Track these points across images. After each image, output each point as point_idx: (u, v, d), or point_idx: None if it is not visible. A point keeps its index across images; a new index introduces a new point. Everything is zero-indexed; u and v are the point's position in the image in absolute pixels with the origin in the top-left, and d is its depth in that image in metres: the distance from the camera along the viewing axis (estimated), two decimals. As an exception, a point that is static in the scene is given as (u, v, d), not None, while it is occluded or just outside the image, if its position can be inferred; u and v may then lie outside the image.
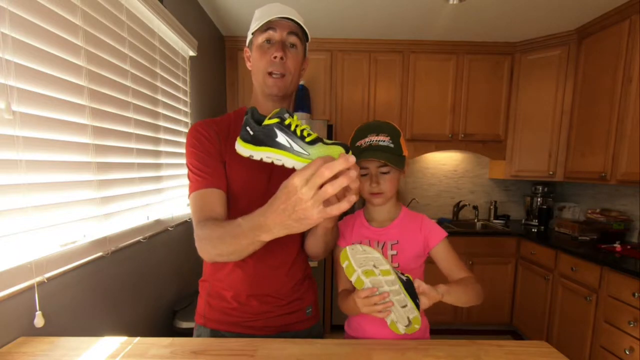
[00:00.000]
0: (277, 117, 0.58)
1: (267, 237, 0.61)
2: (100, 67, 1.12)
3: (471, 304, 0.85)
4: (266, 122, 0.59)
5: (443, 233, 0.92)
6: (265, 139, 0.59)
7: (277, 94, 0.85)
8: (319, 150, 0.58)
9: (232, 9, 2.22)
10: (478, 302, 0.85)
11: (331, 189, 0.51)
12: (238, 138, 0.61)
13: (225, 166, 0.83)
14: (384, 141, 0.86)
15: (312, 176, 0.52)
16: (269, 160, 0.60)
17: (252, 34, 0.85)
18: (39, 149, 0.87)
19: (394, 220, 0.94)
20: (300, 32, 0.83)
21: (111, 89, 1.18)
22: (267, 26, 0.81)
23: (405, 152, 0.90)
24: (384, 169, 0.87)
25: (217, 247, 0.71)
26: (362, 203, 1.01)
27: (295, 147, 0.58)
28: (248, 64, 0.90)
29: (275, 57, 0.81)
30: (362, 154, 0.85)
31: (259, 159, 0.60)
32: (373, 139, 0.86)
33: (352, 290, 0.90)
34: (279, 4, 0.84)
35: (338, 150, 0.58)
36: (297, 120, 0.60)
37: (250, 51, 0.88)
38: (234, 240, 0.67)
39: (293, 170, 0.58)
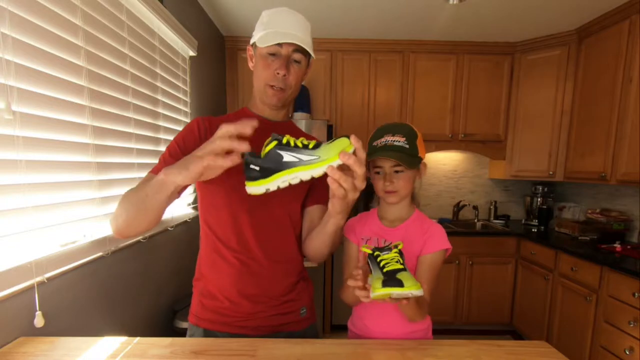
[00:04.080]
0: (274, 140, 0.59)
1: (163, 176, 0.64)
2: (100, 67, 1.12)
3: (411, 319, 0.87)
4: (266, 149, 0.59)
5: (443, 245, 0.89)
6: (274, 166, 0.59)
7: (276, 104, 0.87)
8: (325, 148, 0.59)
9: (232, 9, 2.22)
10: (414, 321, 0.89)
11: (210, 159, 0.58)
12: (246, 182, 0.61)
13: None
14: (399, 141, 0.87)
15: (218, 137, 0.59)
16: (286, 184, 0.60)
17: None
18: (39, 149, 0.87)
19: (404, 221, 0.94)
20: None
21: (111, 89, 1.18)
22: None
23: (422, 154, 0.90)
24: (398, 168, 0.89)
25: (120, 205, 0.75)
26: (377, 201, 1.02)
27: (304, 157, 0.59)
28: (250, 63, 0.90)
29: (278, 74, 0.81)
30: (376, 152, 0.88)
31: (275, 188, 0.60)
32: (389, 139, 0.88)
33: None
34: (288, 13, 0.83)
35: (344, 142, 0.59)
36: (290, 138, 0.61)
37: (253, 51, 0.88)
38: (138, 191, 0.72)
39: (309, 179, 0.60)
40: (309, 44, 0.83)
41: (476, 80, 2.72)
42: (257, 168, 0.59)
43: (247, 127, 0.59)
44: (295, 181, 0.60)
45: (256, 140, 0.87)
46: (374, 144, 0.90)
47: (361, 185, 0.62)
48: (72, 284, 1.02)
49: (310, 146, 0.60)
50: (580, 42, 2.40)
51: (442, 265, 0.91)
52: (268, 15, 0.84)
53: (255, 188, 0.60)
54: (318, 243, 0.86)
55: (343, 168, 0.59)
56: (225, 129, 0.59)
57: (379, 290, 0.66)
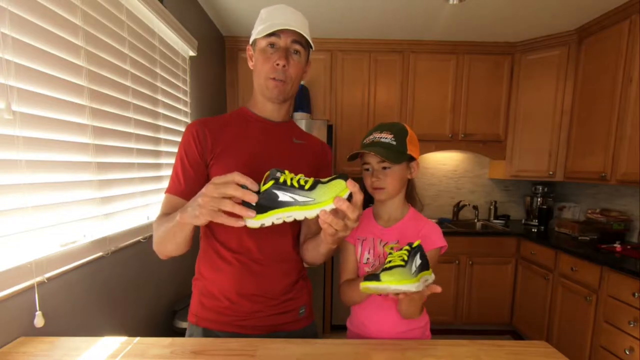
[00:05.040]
0: (272, 179, 0.61)
1: (179, 218, 0.68)
2: (100, 67, 1.12)
3: (406, 316, 0.89)
4: (262, 188, 0.61)
5: (438, 243, 0.90)
6: (269, 203, 0.61)
7: (278, 97, 0.86)
8: (321, 191, 0.61)
9: (232, 9, 2.22)
10: (407, 319, 0.90)
11: (229, 206, 0.59)
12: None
13: (211, 165, 0.84)
14: (386, 138, 0.89)
15: (223, 183, 0.59)
16: (280, 221, 0.62)
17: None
18: (39, 149, 0.87)
19: (399, 220, 0.95)
20: (304, 39, 0.84)
21: (111, 89, 1.18)
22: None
23: (412, 152, 0.91)
24: (385, 164, 0.90)
25: (156, 233, 0.80)
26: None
27: (299, 198, 0.61)
28: (250, 63, 0.90)
29: (278, 65, 0.81)
30: (362, 149, 0.90)
31: (270, 223, 0.62)
32: (376, 135, 0.90)
33: (354, 279, 0.96)
34: (285, 8, 0.85)
35: (340, 185, 0.61)
36: (289, 174, 0.63)
37: (253, 50, 0.88)
38: (166, 224, 0.75)
39: (302, 219, 0.62)
40: (307, 34, 0.83)
41: (476, 80, 2.72)
42: (253, 204, 0.61)
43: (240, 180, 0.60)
44: (289, 219, 0.62)
45: (258, 137, 0.88)
46: (364, 141, 0.92)
47: (353, 225, 0.64)
48: (72, 284, 1.02)
49: (307, 187, 0.61)
50: (580, 42, 2.40)
51: (436, 263, 0.91)
52: (266, 12, 0.85)
53: (251, 222, 0.62)
54: (314, 256, 0.89)
55: (337, 210, 0.61)
56: (218, 180, 0.61)
57: (361, 284, 0.72)
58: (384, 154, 0.86)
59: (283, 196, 0.61)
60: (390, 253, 0.79)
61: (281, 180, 0.61)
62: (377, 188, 0.91)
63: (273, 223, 0.62)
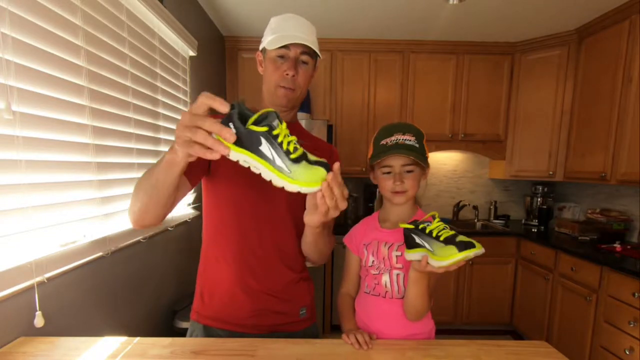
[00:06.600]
0: (267, 126, 0.55)
1: (169, 153, 0.62)
2: (100, 67, 1.12)
3: (413, 313, 0.86)
4: (254, 128, 0.54)
5: None
6: (248, 143, 0.55)
7: (287, 105, 0.89)
8: (302, 170, 0.56)
9: (232, 9, 2.22)
10: (414, 320, 0.87)
11: (201, 138, 0.53)
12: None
13: (211, 162, 0.84)
14: (410, 140, 0.87)
15: (198, 115, 0.53)
16: (246, 165, 0.57)
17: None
18: (39, 149, 0.87)
19: (406, 222, 0.94)
20: (312, 50, 0.85)
21: (111, 89, 1.18)
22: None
23: (428, 155, 0.90)
24: (408, 168, 0.88)
25: (135, 188, 0.71)
26: (380, 203, 1.02)
27: (278, 161, 0.56)
28: (259, 69, 0.92)
29: (287, 74, 0.84)
30: (388, 151, 0.86)
31: (235, 160, 0.56)
32: (399, 137, 0.87)
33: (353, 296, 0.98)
34: (295, 18, 0.87)
35: (320, 173, 0.57)
36: (285, 129, 0.57)
37: (262, 56, 0.90)
38: (150, 170, 0.69)
39: (269, 180, 0.57)
40: (315, 45, 0.86)
41: (476, 80, 2.72)
42: (234, 131, 0.54)
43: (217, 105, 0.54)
44: (256, 170, 0.57)
45: None
46: (383, 142, 0.88)
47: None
48: (72, 284, 1.02)
49: (293, 156, 0.56)
50: (580, 42, 2.40)
51: None
52: (276, 21, 0.87)
53: (220, 146, 0.55)
54: (306, 249, 0.90)
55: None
56: (197, 106, 0.54)
57: (455, 256, 0.69)
58: (417, 157, 0.84)
59: (265, 147, 0.55)
60: (422, 228, 0.76)
61: (274, 132, 0.55)
62: (398, 192, 0.89)
63: (238, 161, 0.56)
